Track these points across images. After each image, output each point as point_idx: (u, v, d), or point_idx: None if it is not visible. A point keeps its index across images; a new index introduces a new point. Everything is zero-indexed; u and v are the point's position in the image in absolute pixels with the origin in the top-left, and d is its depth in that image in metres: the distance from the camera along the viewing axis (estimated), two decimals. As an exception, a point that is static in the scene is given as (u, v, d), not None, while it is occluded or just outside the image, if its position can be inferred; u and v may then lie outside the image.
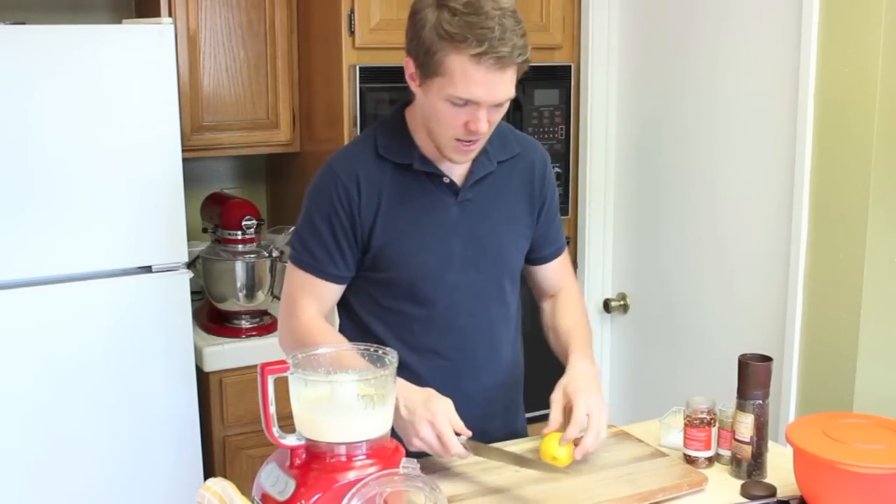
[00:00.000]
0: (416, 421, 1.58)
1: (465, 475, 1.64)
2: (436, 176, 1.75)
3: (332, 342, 1.68)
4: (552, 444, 1.64)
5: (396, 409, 1.60)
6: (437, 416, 1.57)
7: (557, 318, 1.90)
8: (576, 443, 1.63)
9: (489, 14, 1.55)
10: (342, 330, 1.85)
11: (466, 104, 1.60)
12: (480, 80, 1.56)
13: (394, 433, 1.45)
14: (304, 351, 1.43)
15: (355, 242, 1.75)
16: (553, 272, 1.94)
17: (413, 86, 1.68)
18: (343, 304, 1.85)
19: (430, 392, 1.62)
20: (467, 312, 1.81)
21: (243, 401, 2.72)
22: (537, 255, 1.92)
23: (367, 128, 1.85)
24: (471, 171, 1.77)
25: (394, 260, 1.75)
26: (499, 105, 1.63)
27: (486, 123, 1.62)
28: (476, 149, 1.70)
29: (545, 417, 1.69)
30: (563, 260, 1.97)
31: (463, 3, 1.56)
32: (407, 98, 1.77)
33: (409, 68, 1.66)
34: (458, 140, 1.65)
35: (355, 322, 1.84)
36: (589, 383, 1.70)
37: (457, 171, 1.77)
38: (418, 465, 1.38)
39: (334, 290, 1.79)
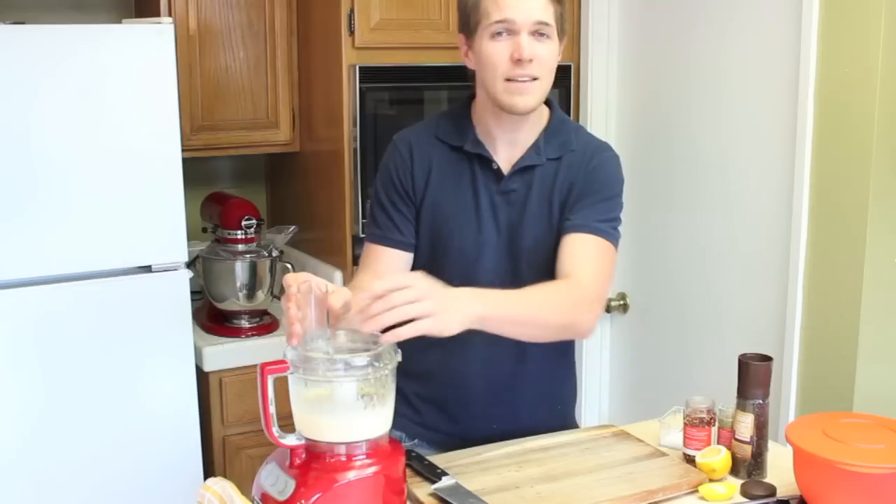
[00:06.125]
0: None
1: (465, 475, 1.64)
2: (485, 160, 1.78)
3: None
4: None
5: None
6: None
7: None
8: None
9: None
10: None
11: (507, 34, 1.67)
12: (511, 1, 1.66)
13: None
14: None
15: (413, 205, 1.80)
16: (567, 251, 1.72)
17: (468, 63, 1.76)
18: None
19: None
20: None
21: (243, 400, 2.72)
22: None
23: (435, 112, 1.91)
24: (517, 161, 1.79)
25: (433, 241, 1.80)
26: (539, 34, 1.68)
27: (529, 51, 1.66)
28: (531, 90, 1.70)
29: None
30: (585, 245, 1.73)
31: None
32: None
33: (462, 46, 1.76)
34: (508, 81, 1.69)
35: None
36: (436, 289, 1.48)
37: (505, 160, 1.79)
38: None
39: (400, 258, 1.81)
